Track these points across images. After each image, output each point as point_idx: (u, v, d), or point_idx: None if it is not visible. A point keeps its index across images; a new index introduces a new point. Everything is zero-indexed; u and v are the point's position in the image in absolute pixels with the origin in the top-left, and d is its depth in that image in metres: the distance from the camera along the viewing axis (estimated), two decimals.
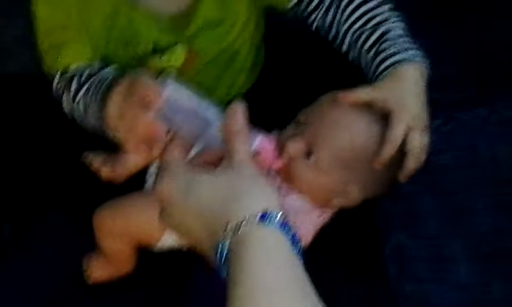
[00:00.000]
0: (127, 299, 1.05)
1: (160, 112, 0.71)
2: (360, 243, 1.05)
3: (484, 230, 1.02)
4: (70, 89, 0.94)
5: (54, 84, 0.97)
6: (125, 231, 0.95)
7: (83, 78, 0.93)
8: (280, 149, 0.83)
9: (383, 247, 1.04)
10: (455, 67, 1.16)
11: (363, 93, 0.83)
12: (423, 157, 0.84)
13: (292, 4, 0.97)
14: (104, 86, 0.87)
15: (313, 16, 0.97)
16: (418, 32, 0.91)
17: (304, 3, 0.97)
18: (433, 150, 1.02)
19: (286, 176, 0.84)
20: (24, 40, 1.27)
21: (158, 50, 1.01)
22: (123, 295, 1.05)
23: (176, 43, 1.01)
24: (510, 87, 1.14)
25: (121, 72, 0.90)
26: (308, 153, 0.82)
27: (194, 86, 1.04)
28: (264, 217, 0.56)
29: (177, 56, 1.02)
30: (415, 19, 0.94)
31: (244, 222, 0.56)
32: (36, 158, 1.18)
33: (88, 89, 0.90)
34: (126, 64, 1.03)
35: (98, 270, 1.03)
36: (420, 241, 1.03)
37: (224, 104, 1.06)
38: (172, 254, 0.99)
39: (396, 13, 0.92)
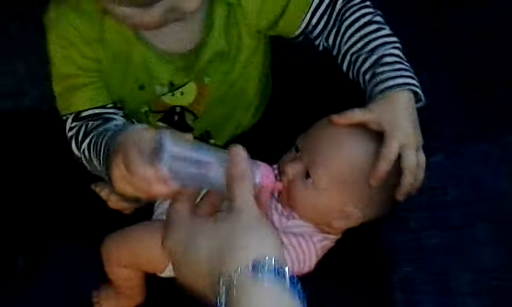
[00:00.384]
0: None
1: (164, 171, 0.73)
2: (366, 274, 1.05)
3: (491, 265, 1.02)
4: (78, 136, 0.97)
5: (66, 127, 1.00)
6: (131, 261, 0.97)
7: (88, 128, 0.96)
8: (280, 174, 0.86)
9: (390, 279, 1.04)
10: (457, 101, 1.17)
11: (356, 114, 0.86)
12: (420, 175, 0.87)
13: (299, 31, 1.00)
14: (103, 143, 0.90)
15: (318, 40, 1.01)
16: (417, 65, 0.93)
17: (309, 29, 1.00)
18: (437, 185, 1.06)
19: (287, 201, 0.87)
20: (37, 76, 1.27)
21: (170, 88, 1.05)
22: None
23: (187, 82, 1.04)
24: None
25: (122, 127, 0.93)
26: (307, 175, 0.85)
27: (205, 122, 1.09)
28: (255, 267, 0.58)
29: (188, 92, 1.06)
30: (415, 51, 0.97)
31: (237, 274, 0.58)
32: (46, 191, 1.20)
33: (90, 141, 0.94)
34: (140, 104, 1.07)
35: (108, 302, 1.04)
36: (427, 275, 1.04)
37: (233, 138, 1.11)
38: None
39: (392, 39, 0.96)
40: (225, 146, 0.92)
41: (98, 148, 0.92)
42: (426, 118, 0.93)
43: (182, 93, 1.05)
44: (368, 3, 1.01)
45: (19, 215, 1.19)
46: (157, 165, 0.72)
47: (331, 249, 0.93)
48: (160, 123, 1.11)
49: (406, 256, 1.07)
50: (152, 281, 1.03)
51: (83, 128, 0.97)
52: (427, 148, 0.92)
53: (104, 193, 0.99)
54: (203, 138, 1.16)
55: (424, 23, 1.30)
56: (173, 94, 1.05)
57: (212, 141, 1.16)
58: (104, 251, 0.98)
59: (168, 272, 0.94)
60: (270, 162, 0.84)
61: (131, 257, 0.96)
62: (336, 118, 0.86)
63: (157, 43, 1.00)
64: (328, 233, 0.89)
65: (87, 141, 0.95)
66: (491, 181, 1.10)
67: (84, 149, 0.95)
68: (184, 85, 1.04)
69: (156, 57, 1.01)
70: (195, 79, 1.05)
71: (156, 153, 0.73)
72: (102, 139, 0.91)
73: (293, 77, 1.20)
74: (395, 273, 1.06)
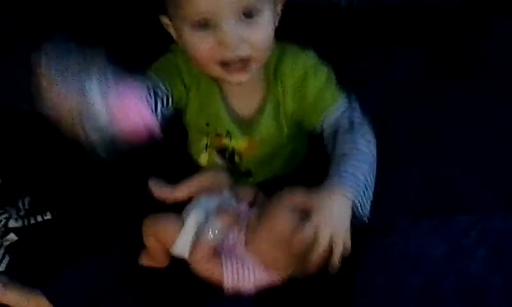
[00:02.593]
0: None
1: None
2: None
3: None
4: None
5: None
6: (155, 235, 1.19)
7: None
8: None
9: None
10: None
11: (297, 196, 1.04)
12: (336, 255, 1.01)
13: (317, 132, 1.20)
14: None
15: (325, 142, 1.19)
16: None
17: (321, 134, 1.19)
18: None
19: (247, 240, 1.10)
20: None
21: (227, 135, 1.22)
22: None
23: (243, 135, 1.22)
24: None
25: None
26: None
27: (249, 164, 1.28)
28: None
29: (241, 142, 1.24)
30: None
31: None
32: (126, 180, 1.40)
33: None
34: (203, 136, 1.26)
35: (145, 258, 1.25)
36: None
37: (268, 180, 1.31)
38: (186, 281, 1.17)
39: (366, 161, 1.10)
40: (261, 185, 1.19)
41: None
42: None
43: (235, 141, 1.24)
44: (368, 136, 1.13)
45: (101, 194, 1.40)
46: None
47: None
48: (218, 159, 1.29)
49: None
50: (157, 281, 1.23)
51: None
52: None
53: (154, 188, 1.17)
54: (245, 176, 1.31)
55: None
56: (230, 139, 1.24)
57: (250, 179, 1.31)
58: (144, 224, 1.21)
59: (173, 251, 1.16)
60: None
61: (154, 233, 1.19)
62: (283, 194, 1.06)
63: (230, 98, 1.20)
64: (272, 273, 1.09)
65: None
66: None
67: None
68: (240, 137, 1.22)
69: (225, 108, 1.20)
70: (248, 136, 1.22)
71: None
72: None
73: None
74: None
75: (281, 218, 1.05)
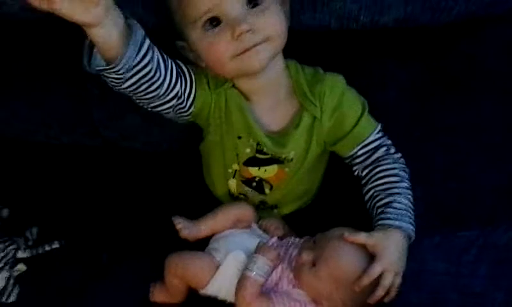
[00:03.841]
0: None
1: None
2: None
3: None
4: None
5: None
6: (182, 275, 1.21)
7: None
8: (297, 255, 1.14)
9: None
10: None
11: (360, 237, 1.13)
12: (392, 293, 1.13)
13: (347, 155, 1.29)
14: None
15: (355, 167, 1.29)
16: None
17: (353, 157, 1.28)
18: None
19: (297, 275, 1.15)
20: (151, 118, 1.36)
21: (258, 162, 1.27)
22: None
23: (272, 161, 1.27)
24: None
25: None
26: (313, 264, 1.14)
27: (277, 195, 1.32)
28: None
29: (270, 171, 1.29)
30: None
31: None
32: (136, 210, 1.44)
33: None
34: (234, 158, 1.28)
35: (159, 294, 1.26)
36: None
37: (292, 212, 1.38)
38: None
39: (407, 191, 1.22)
40: (287, 217, 1.27)
41: None
42: None
43: (265, 170, 1.29)
44: (401, 160, 1.26)
45: (110, 225, 1.43)
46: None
47: None
48: (245, 188, 1.32)
49: None
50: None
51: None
52: None
53: (179, 225, 1.25)
54: (270, 208, 1.36)
55: None
56: (259, 169, 1.29)
57: (275, 211, 1.37)
58: (167, 262, 1.23)
59: (205, 291, 1.20)
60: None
61: (182, 272, 1.21)
62: (346, 235, 1.13)
63: (259, 112, 1.24)
64: (320, 305, 1.16)
65: None
66: None
67: None
68: (269, 165, 1.28)
69: (255, 121, 1.23)
70: (278, 163, 1.27)
71: None
72: None
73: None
74: None
75: (347, 259, 1.12)
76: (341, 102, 1.24)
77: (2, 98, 1.52)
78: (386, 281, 1.11)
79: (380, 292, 1.11)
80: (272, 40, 1.13)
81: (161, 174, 1.47)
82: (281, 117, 1.25)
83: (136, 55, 1.04)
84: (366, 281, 1.11)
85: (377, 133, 1.28)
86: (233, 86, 1.22)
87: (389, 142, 1.28)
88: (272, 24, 1.12)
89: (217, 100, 1.22)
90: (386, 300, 1.13)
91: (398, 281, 1.13)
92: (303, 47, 1.33)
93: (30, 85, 1.50)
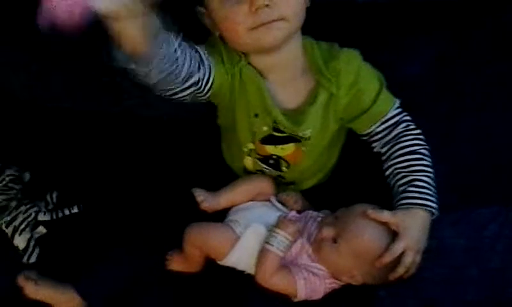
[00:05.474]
0: None
1: None
2: None
3: None
4: None
5: None
6: (201, 245, 1.22)
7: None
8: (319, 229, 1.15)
9: None
10: None
11: (384, 215, 1.14)
12: (412, 269, 1.15)
13: (366, 132, 1.28)
14: None
15: (375, 144, 1.28)
16: None
17: (372, 134, 1.28)
18: None
19: (316, 250, 1.16)
20: None
21: (275, 140, 1.26)
22: None
23: (289, 140, 1.26)
24: None
25: None
26: (335, 240, 1.14)
27: (294, 173, 1.31)
28: None
29: (287, 149, 1.28)
30: None
31: None
32: (155, 179, 1.44)
33: None
34: (249, 137, 1.27)
35: (176, 263, 1.27)
36: None
37: (309, 188, 1.36)
38: (229, 279, 1.21)
39: (429, 169, 1.22)
40: (305, 193, 1.26)
41: None
42: None
43: (282, 148, 1.28)
44: (421, 136, 1.26)
45: (129, 192, 1.43)
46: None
47: (336, 290, 1.19)
48: (262, 165, 1.30)
49: None
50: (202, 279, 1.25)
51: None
52: None
53: (200, 198, 1.25)
54: (289, 183, 1.35)
55: None
56: (276, 147, 1.28)
57: (292, 186, 1.35)
58: (186, 232, 1.23)
59: (224, 262, 1.21)
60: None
61: (202, 243, 1.22)
62: (369, 212, 1.13)
63: (275, 89, 1.23)
64: (338, 279, 1.17)
65: None
66: None
67: None
68: (286, 143, 1.27)
69: (272, 99, 1.22)
70: (295, 142, 1.26)
71: None
72: None
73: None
74: None
75: (370, 236, 1.13)
76: (358, 77, 1.23)
77: (26, 63, 1.52)
78: (408, 259, 1.13)
79: (401, 270, 1.13)
80: (288, 20, 1.14)
81: (181, 145, 1.47)
82: (297, 94, 1.25)
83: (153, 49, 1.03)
84: (388, 258, 1.12)
85: (396, 109, 1.27)
86: (249, 63, 1.21)
87: (408, 117, 1.28)
88: (289, 3, 1.13)
89: (235, 79, 1.22)
90: (405, 276, 1.15)
91: (418, 258, 1.15)
92: (329, 21, 1.33)
93: (56, 51, 1.49)
